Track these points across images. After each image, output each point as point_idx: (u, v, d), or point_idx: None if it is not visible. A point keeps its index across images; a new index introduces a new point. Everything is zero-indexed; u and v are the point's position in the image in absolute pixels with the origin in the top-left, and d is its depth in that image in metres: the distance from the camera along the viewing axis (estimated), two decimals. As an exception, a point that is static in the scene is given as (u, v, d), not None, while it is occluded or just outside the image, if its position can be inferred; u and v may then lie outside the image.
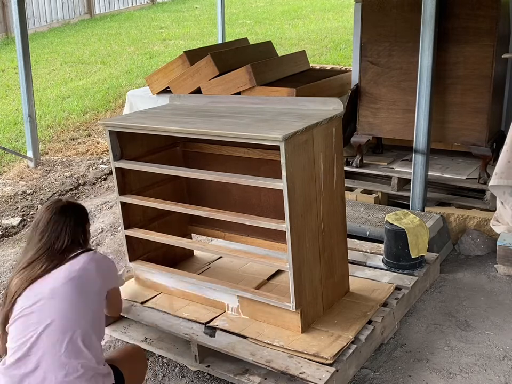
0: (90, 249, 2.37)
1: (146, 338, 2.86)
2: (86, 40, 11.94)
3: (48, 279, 2.16)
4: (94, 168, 5.71)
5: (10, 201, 4.95)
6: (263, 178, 2.62)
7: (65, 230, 2.31)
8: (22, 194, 5.09)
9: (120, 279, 2.72)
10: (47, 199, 4.99)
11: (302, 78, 5.28)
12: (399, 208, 3.82)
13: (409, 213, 3.41)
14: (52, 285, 2.14)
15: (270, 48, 5.90)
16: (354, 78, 4.63)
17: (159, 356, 2.86)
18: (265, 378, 2.51)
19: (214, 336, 2.68)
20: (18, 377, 2.03)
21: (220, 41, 7.29)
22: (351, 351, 2.56)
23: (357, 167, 4.41)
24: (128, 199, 2.99)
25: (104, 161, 5.88)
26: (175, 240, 3.03)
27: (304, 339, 2.63)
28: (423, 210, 3.91)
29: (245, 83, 4.81)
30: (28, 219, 4.66)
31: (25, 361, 2.04)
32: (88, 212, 2.57)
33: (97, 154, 6.13)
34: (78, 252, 2.29)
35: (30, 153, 5.76)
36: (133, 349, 2.46)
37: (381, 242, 3.46)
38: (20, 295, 2.14)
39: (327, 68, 6.77)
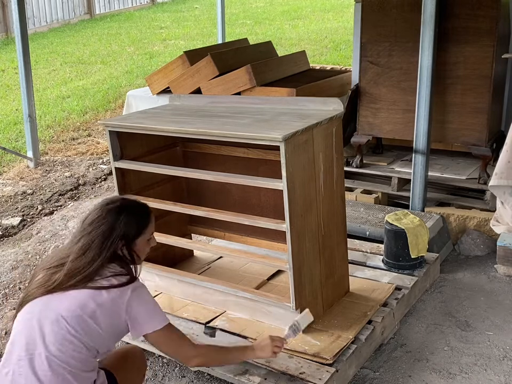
0: (131, 279, 1.98)
1: (146, 339, 2.85)
2: (86, 40, 11.94)
3: (61, 301, 1.92)
4: (94, 168, 5.71)
5: (10, 201, 4.95)
6: (263, 178, 2.62)
7: (100, 240, 1.96)
8: (22, 194, 5.09)
9: (162, 318, 2.04)
10: (47, 199, 5.00)
11: (302, 78, 5.28)
12: (399, 208, 3.82)
13: (409, 213, 3.41)
14: (62, 311, 1.90)
15: (270, 48, 5.90)
16: (354, 78, 4.63)
17: (159, 355, 2.86)
18: (265, 379, 2.50)
19: (214, 336, 2.68)
20: None
21: (220, 41, 7.29)
22: (351, 351, 2.56)
23: (357, 167, 4.41)
24: (128, 199, 2.99)
25: (104, 161, 5.88)
26: (174, 240, 3.03)
27: (304, 339, 2.62)
28: (423, 211, 3.90)
29: (245, 83, 4.81)
30: (28, 219, 4.66)
31: (20, 379, 1.89)
32: (150, 218, 2.08)
33: (97, 154, 6.13)
34: (114, 282, 1.93)
35: (30, 153, 5.76)
36: (130, 349, 2.35)
37: (381, 242, 3.46)
38: (34, 298, 1.96)
39: (327, 68, 6.77)
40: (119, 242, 2.00)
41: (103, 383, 2.04)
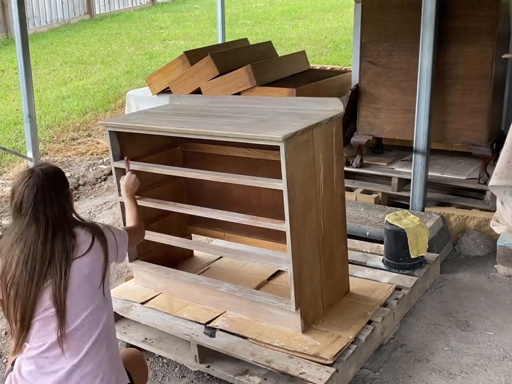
0: (90, 225, 2.01)
1: (146, 339, 2.85)
2: (86, 40, 11.94)
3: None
4: (94, 168, 5.71)
5: (10, 202, 4.94)
6: (263, 178, 2.62)
7: (54, 208, 1.92)
8: (22, 194, 5.08)
9: (120, 229, 2.20)
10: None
11: (302, 78, 5.28)
12: (399, 208, 3.82)
13: (409, 213, 3.41)
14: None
15: (270, 48, 5.90)
16: (354, 78, 4.63)
17: (159, 356, 2.86)
18: (265, 379, 2.50)
19: (214, 337, 2.68)
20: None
21: (220, 42, 7.28)
22: (351, 351, 2.56)
23: (357, 167, 4.41)
24: (128, 199, 2.99)
25: (104, 161, 5.88)
26: (175, 240, 3.03)
27: (304, 339, 2.62)
28: (423, 211, 3.90)
29: (245, 83, 4.81)
30: (28, 219, 4.65)
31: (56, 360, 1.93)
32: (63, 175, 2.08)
33: (97, 155, 6.13)
34: (86, 234, 1.96)
35: (30, 154, 5.75)
36: (132, 352, 2.37)
37: (381, 242, 3.46)
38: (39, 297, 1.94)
39: (327, 68, 6.77)
40: (67, 200, 1.99)
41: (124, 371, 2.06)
